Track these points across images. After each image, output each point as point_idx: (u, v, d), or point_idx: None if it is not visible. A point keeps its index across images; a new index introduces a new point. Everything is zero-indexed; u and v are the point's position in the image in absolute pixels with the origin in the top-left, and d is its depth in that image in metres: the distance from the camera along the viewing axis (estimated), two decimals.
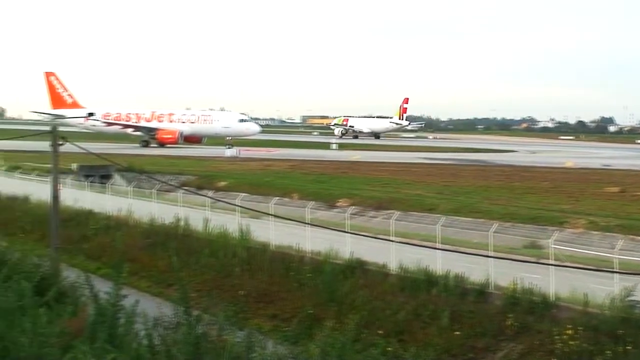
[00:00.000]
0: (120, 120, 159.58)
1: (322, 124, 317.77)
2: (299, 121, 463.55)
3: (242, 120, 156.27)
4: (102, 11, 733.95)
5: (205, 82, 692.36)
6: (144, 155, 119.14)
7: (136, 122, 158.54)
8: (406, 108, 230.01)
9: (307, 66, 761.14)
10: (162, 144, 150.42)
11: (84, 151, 43.28)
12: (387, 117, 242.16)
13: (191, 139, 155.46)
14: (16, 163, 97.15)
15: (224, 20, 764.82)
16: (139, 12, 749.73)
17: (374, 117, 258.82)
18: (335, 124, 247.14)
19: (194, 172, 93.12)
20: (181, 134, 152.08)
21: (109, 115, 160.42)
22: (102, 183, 72.15)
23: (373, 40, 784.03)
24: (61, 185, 42.55)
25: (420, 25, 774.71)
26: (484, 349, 28.43)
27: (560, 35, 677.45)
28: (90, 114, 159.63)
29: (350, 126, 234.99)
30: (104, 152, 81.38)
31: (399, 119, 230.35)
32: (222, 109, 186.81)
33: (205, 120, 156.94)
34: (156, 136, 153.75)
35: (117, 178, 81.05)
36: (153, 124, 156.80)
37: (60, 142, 37.22)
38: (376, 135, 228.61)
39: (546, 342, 26.92)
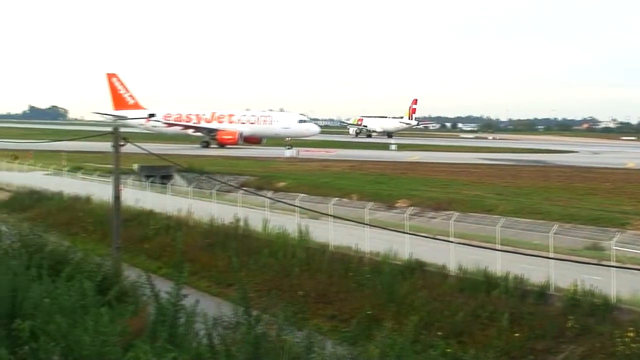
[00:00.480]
0: (180, 121, 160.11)
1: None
2: None
3: (301, 121, 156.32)
4: (161, 12, 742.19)
5: (264, 83, 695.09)
6: (204, 155, 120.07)
7: (196, 123, 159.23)
8: (415, 109, 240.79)
9: (366, 67, 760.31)
10: (222, 145, 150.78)
11: (144, 152, 43.60)
12: (398, 117, 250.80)
13: (251, 140, 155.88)
14: (79, 163, 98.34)
15: (284, 21, 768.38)
16: (198, 13, 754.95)
17: (386, 117, 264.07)
18: (349, 124, 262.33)
19: (253, 172, 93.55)
20: (241, 134, 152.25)
21: (169, 116, 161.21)
22: (162, 183, 72.77)
23: (432, 40, 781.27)
24: (122, 185, 42.94)
25: (479, 26, 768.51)
26: (544, 350, 28.21)
27: (622, 35, 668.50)
28: (151, 115, 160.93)
29: (364, 126, 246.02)
30: (165, 152, 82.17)
31: (409, 119, 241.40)
32: (281, 110, 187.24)
33: (265, 121, 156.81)
34: (216, 137, 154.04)
35: (177, 178, 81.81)
36: (213, 125, 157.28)
37: (122, 143, 37.52)
38: (388, 134, 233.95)
39: (607, 344, 26.62)
